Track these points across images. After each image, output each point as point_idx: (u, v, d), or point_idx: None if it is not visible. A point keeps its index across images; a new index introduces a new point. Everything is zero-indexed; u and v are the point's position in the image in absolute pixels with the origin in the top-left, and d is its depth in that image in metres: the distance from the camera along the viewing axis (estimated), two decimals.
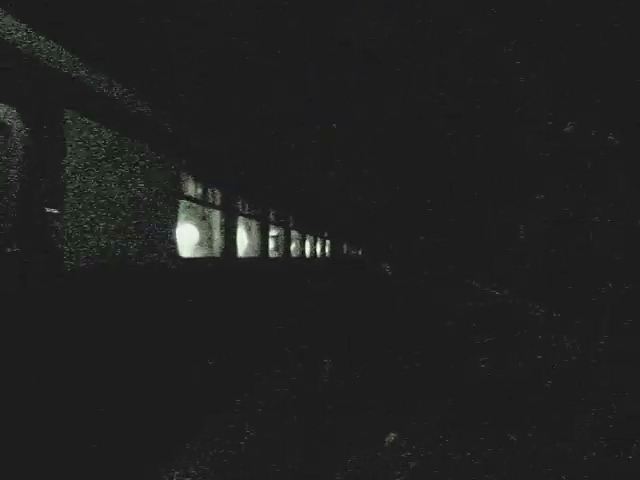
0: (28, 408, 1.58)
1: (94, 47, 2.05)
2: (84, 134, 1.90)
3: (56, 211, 1.74)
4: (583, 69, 5.69)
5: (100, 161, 2.01)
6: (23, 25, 1.60)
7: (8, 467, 1.48)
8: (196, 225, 3.90)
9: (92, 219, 1.95)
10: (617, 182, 6.03)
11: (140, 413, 2.33)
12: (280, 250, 6.05)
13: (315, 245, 8.67)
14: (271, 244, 5.66)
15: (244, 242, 4.89)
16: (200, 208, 3.69)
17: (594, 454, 2.52)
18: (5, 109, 1.57)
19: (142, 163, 2.38)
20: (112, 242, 2.09)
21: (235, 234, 3.88)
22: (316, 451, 2.64)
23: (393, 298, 11.17)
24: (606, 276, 6.28)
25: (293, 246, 6.92)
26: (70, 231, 1.80)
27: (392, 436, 2.85)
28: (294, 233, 6.81)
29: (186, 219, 3.75)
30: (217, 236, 3.75)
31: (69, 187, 1.80)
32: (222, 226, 3.70)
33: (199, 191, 3.34)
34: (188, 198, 3.05)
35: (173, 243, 2.72)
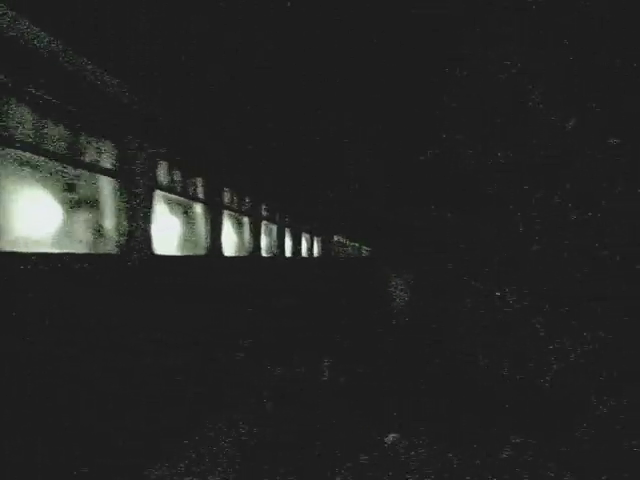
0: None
1: None
2: None
3: None
4: (583, 68, 5.67)
5: None
6: None
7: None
8: None
9: None
10: (616, 182, 6.02)
11: None
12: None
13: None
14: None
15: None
16: None
17: (595, 456, 2.51)
18: None
19: None
20: None
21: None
22: (316, 451, 2.63)
23: None
24: (606, 276, 6.26)
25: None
26: None
27: (392, 437, 2.84)
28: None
29: None
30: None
31: None
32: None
33: None
34: None
35: None
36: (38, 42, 1.77)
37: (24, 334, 1.84)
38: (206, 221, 3.94)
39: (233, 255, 4.73)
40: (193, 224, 3.95)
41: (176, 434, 2.72)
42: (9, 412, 1.54)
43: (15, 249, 1.97)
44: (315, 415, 3.25)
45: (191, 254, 3.59)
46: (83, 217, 3.09)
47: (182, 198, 3.47)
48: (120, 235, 2.64)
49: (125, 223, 2.77)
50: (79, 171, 2.75)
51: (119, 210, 2.52)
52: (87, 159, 2.70)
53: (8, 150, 2.01)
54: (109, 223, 2.53)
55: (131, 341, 2.29)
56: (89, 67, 2.07)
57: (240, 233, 5.19)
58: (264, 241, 6.37)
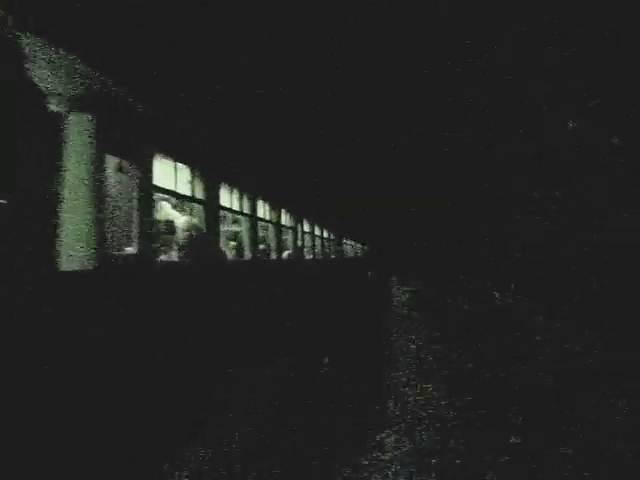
0: None
1: None
2: None
3: None
4: (584, 68, 5.67)
5: None
6: None
7: None
8: None
9: None
10: (617, 182, 6.00)
11: None
12: None
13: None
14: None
15: None
16: None
17: (596, 457, 2.51)
18: None
19: None
20: None
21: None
22: (316, 450, 2.63)
23: None
24: (605, 277, 6.26)
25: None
26: None
27: (392, 437, 2.84)
28: None
29: None
30: None
31: None
32: None
33: None
34: None
35: None
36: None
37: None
38: None
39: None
40: None
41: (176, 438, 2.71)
42: (7, 412, 1.53)
43: None
44: (315, 415, 3.24)
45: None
46: None
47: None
48: None
49: None
50: None
51: None
52: None
53: None
54: None
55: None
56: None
57: None
58: None
